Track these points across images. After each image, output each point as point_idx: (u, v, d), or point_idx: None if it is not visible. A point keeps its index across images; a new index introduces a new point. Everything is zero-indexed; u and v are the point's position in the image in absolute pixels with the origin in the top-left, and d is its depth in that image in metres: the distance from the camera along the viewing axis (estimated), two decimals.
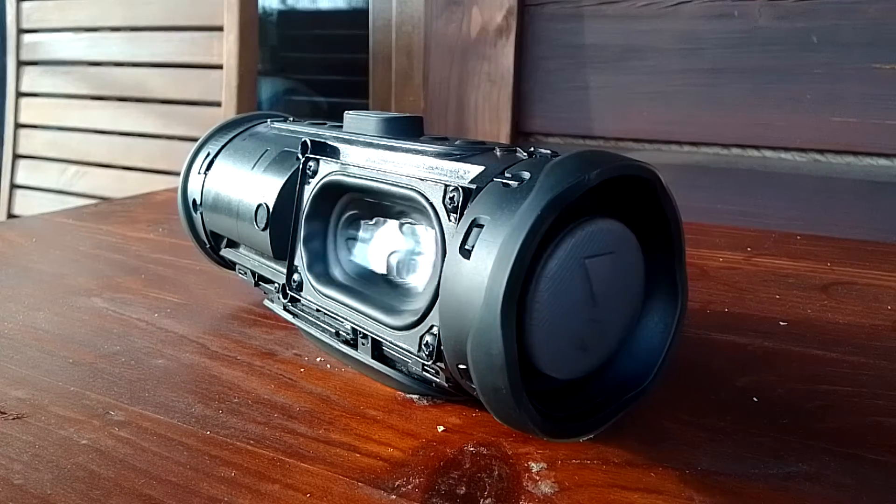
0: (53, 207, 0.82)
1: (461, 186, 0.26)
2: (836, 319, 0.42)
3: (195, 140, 0.42)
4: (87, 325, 0.39)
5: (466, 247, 0.23)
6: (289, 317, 0.35)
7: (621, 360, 0.28)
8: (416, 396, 0.31)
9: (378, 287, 0.31)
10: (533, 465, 0.26)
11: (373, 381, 0.32)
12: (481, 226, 0.23)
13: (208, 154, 0.40)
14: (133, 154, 1.15)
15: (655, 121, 0.83)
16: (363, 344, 0.31)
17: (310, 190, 0.33)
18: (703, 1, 0.78)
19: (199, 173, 0.40)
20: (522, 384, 0.23)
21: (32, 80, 1.26)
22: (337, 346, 0.32)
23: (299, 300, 0.34)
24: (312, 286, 0.32)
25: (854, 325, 0.41)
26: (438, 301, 0.25)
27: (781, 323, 0.41)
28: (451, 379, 0.27)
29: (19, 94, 1.27)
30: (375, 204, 0.31)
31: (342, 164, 0.32)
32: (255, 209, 0.35)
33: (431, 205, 0.27)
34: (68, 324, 0.39)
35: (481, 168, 0.26)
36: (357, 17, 1.22)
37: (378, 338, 0.29)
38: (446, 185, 0.26)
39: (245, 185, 0.36)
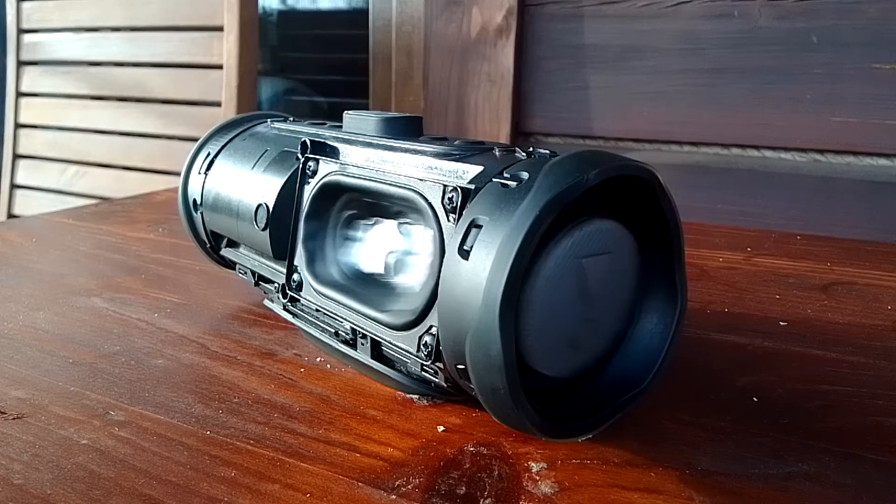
0: (53, 207, 0.82)
1: (460, 187, 0.26)
2: (836, 319, 0.42)
3: (195, 140, 0.42)
4: (87, 325, 0.39)
5: (465, 247, 0.23)
6: (288, 317, 0.35)
7: (620, 360, 0.28)
8: (416, 396, 0.31)
9: (377, 287, 0.31)
10: (533, 465, 0.26)
11: (373, 381, 0.32)
12: (480, 226, 0.23)
13: (208, 154, 0.40)
14: (133, 154, 1.15)
15: (655, 121, 0.83)
16: (362, 344, 0.31)
17: (309, 190, 0.33)
18: (703, 1, 0.78)
19: (199, 173, 0.40)
20: (521, 384, 0.23)
21: (32, 80, 1.26)
22: (336, 346, 0.32)
23: (299, 300, 0.34)
24: (312, 286, 0.32)
25: (854, 325, 0.41)
26: (437, 301, 0.25)
27: (781, 323, 0.41)
28: (450, 379, 0.27)
29: (19, 94, 1.27)
30: (375, 204, 0.31)
31: (342, 164, 0.32)
32: (255, 209, 0.35)
33: (430, 205, 0.27)
34: (68, 324, 0.39)
35: (480, 168, 0.26)
36: (357, 17, 1.22)
37: (377, 338, 0.29)
38: (445, 186, 0.26)
39: (245, 184, 0.36)
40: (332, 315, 0.32)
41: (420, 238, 0.30)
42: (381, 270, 0.32)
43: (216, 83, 1.03)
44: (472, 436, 0.28)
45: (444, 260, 0.24)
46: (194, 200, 0.40)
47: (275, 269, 0.36)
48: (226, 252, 0.41)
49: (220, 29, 1.02)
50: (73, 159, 1.21)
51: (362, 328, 0.30)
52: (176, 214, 0.43)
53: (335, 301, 0.31)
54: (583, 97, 0.86)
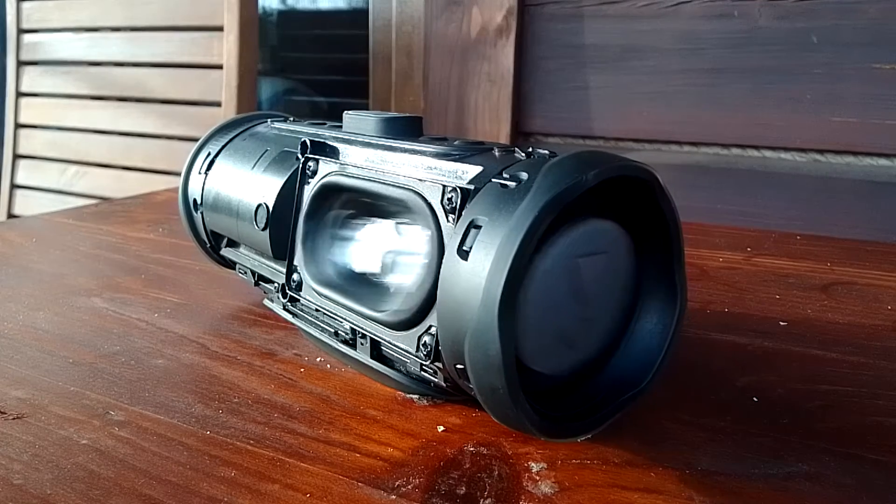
0: (53, 207, 0.82)
1: (459, 187, 0.26)
2: (836, 319, 0.42)
3: (195, 140, 0.42)
4: (87, 325, 0.39)
5: (464, 248, 0.23)
6: (288, 316, 0.35)
7: (620, 360, 0.28)
8: (416, 396, 0.31)
9: (377, 287, 0.31)
10: (533, 465, 0.26)
11: (373, 381, 0.33)
12: (479, 227, 0.23)
13: (209, 154, 0.40)
14: (133, 154, 1.15)
15: (655, 121, 0.83)
16: (362, 344, 0.31)
17: (309, 190, 0.33)
18: (703, 1, 0.78)
19: (199, 173, 0.40)
20: (519, 384, 0.23)
21: (32, 80, 1.26)
22: (336, 346, 0.32)
23: (298, 300, 0.34)
24: (311, 286, 0.32)
25: (854, 325, 0.41)
26: (436, 301, 0.25)
27: (781, 323, 0.41)
28: (450, 379, 0.27)
29: (19, 94, 1.27)
30: (374, 204, 0.31)
31: (342, 164, 0.32)
32: (254, 209, 0.35)
33: (430, 205, 0.27)
34: (68, 324, 0.39)
35: (479, 168, 0.26)
36: (357, 17, 1.22)
37: (377, 338, 0.29)
38: (444, 186, 0.26)
39: (245, 184, 0.36)
40: (331, 315, 0.32)
41: (419, 238, 0.30)
42: (380, 270, 0.32)
43: (216, 83, 1.03)
44: (472, 436, 0.28)
45: (444, 260, 0.24)
46: (194, 200, 0.40)
47: (275, 268, 0.36)
48: (226, 252, 0.41)
49: (220, 29, 1.02)
50: (73, 159, 1.21)
51: (362, 328, 0.30)
52: (176, 214, 0.43)
53: (335, 301, 0.31)
54: (583, 97, 0.86)
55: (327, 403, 0.31)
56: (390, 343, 0.29)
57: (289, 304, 0.35)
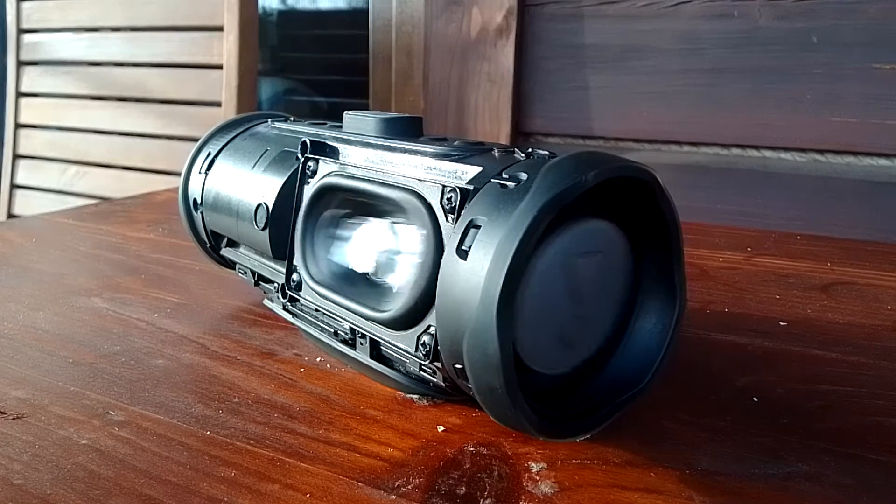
0: (53, 207, 0.82)
1: (459, 187, 0.26)
2: (836, 319, 0.42)
3: (195, 140, 0.42)
4: (87, 325, 0.39)
5: (463, 247, 0.23)
6: (288, 316, 0.36)
7: (619, 360, 0.28)
8: (416, 396, 0.31)
9: (376, 287, 0.31)
10: (533, 465, 0.26)
11: (372, 381, 0.33)
12: (478, 227, 0.23)
13: (209, 154, 0.40)
14: (133, 154, 1.15)
15: (655, 121, 0.83)
16: (361, 344, 0.31)
17: (309, 190, 0.33)
18: (703, 1, 0.78)
19: (199, 173, 0.40)
20: (518, 384, 0.23)
21: (32, 80, 1.26)
22: (336, 346, 0.32)
23: (298, 300, 0.34)
24: (311, 286, 0.32)
25: (854, 325, 0.41)
26: (435, 301, 0.25)
27: (781, 323, 0.41)
28: (449, 378, 0.27)
29: (19, 94, 1.27)
30: (374, 204, 0.31)
31: (341, 164, 0.32)
32: (254, 209, 0.35)
33: (429, 205, 0.27)
34: (68, 324, 0.39)
35: (479, 169, 0.26)
36: (357, 17, 1.22)
37: (376, 337, 0.29)
38: (444, 186, 0.26)
39: (245, 184, 0.36)
40: (331, 315, 0.32)
41: (418, 238, 0.30)
42: (379, 270, 0.32)
43: (216, 83, 1.03)
44: (472, 436, 0.28)
45: (443, 260, 0.24)
46: (195, 200, 0.41)
47: (274, 268, 0.36)
48: (226, 252, 0.41)
49: (220, 29, 1.02)
50: (73, 159, 1.21)
51: (361, 328, 0.30)
52: (176, 214, 0.43)
53: (334, 301, 0.31)
54: (583, 97, 0.86)
55: (327, 403, 0.31)
56: (389, 343, 0.29)
57: (288, 304, 0.35)
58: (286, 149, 0.36)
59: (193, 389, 0.32)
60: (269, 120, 0.41)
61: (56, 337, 0.37)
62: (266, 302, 0.38)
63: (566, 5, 0.86)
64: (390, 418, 0.29)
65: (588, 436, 0.27)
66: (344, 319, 0.31)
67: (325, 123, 0.38)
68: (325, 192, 0.32)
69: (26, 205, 1.26)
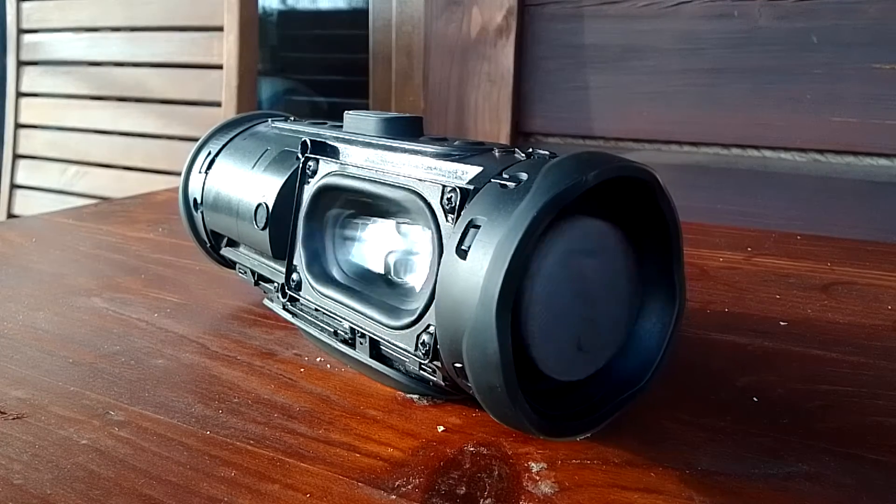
0: (53, 207, 0.82)
1: (459, 187, 0.26)
2: (836, 319, 0.42)
3: (195, 140, 0.42)
4: (87, 325, 0.39)
5: (463, 247, 0.23)
6: (288, 316, 0.35)
7: (619, 359, 0.28)
8: (416, 396, 0.31)
9: (376, 287, 0.31)
10: (533, 465, 0.26)
11: (372, 380, 0.33)
12: (478, 226, 0.23)
13: (209, 153, 0.40)
14: (133, 154, 1.15)
15: (655, 121, 0.83)
16: (361, 343, 0.31)
17: (309, 189, 0.33)
18: (703, 1, 0.78)
19: (199, 172, 0.40)
20: (518, 383, 0.23)
21: (32, 80, 1.26)
22: (336, 346, 0.32)
23: (298, 299, 0.34)
24: (311, 286, 0.32)
25: (854, 325, 0.41)
26: (435, 300, 0.25)
27: (781, 323, 0.41)
28: (448, 378, 0.27)
29: (19, 94, 1.27)
30: (374, 204, 0.31)
31: (342, 163, 0.32)
32: (254, 208, 0.35)
33: (429, 205, 0.27)
34: (68, 324, 0.39)
35: (479, 169, 0.26)
36: (357, 17, 1.22)
37: (376, 337, 0.29)
38: (444, 186, 0.26)
39: (245, 184, 0.36)
40: (331, 314, 0.32)
41: (418, 238, 0.30)
42: (379, 270, 0.32)
43: (216, 83, 1.03)
44: (472, 436, 0.28)
45: (442, 260, 0.24)
46: (195, 200, 0.41)
47: (274, 268, 0.36)
48: (226, 251, 0.41)
49: (220, 29, 1.02)
50: (73, 159, 1.21)
51: (361, 327, 0.30)
52: (176, 214, 0.43)
53: (334, 300, 0.31)
54: (583, 97, 0.86)
55: (327, 403, 0.31)
56: (389, 342, 0.29)
57: (288, 303, 0.35)
58: (286, 148, 0.36)
59: (193, 389, 0.32)
60: (270, 120, 0.41)
61: (56, 337, 0.37)
62: (266, 302, 0.38)
63: (566, 5, 0.86)
64: (390, 418, 0.29)
65: (588, 435, 0.27)
66: (344, 319, 0.31)
67: (326, 123, 0.38)
68: (325, 192, 0.32)
69: (26, 205, 1.26)
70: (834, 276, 0.50)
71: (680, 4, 0.79)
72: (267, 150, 0.37)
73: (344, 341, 0.32)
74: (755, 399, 0.31)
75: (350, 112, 0.34)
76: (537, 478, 0.25)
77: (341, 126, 0.35)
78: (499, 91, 0.90)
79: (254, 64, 1.04)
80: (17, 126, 1.27)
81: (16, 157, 1.28)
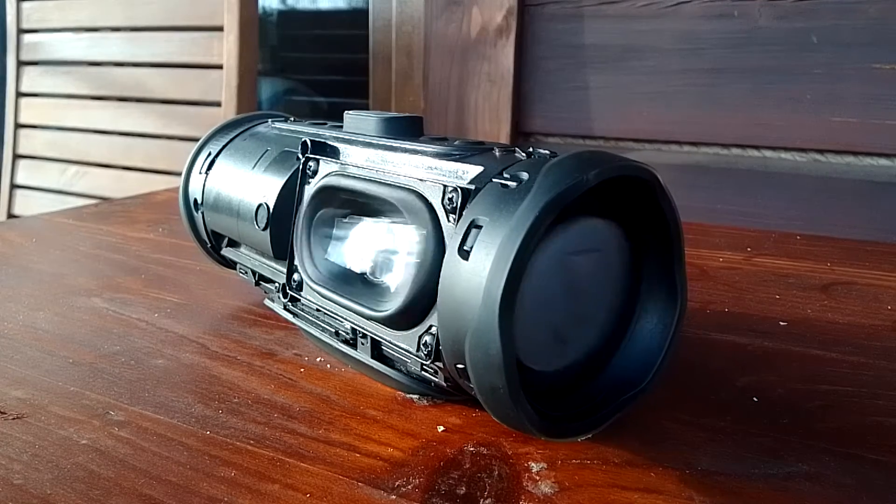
0: (53, 207, 0.82)
1: (460, 187, 0.26)
2: (836, 319, 0.42)
3: (195, 140, 0.42)
4: (87, 325, 0.39)
5: (465, 247, 0.23)
6: (289, 316, 0.35)
7: (620, 360, 0.28)
8: (416, 396, 0.31)
9: (377, 287, 0.31)
10: (533, 465, 0.26)
11: (373, 381, 0.33)
12: (480, 227, 0.23)
13: (209, 154, 0.40)
14: (133, 154, 1.15)
15: (655, 121, 0.83)
16: (363, 344, 0.31)
17: (310, 190, 0.33)
18: (703, 1, 0.78)
19: (200, 173, 0.40)
20: (520, 383, 0.23)
21: (32, 80, 1.26)
22: (337, 346, 0.32)
23: (299, 300, 0.34)
24: (312, 286, 0.32)
25: (854, 325, 0.41)
26: (437, 301, 0.25)
27: (781, 323, 0.41)
28: (450, 378, 0.27)
29: (19, 94, 1.27)
30: (375, 204, 0.31)
31: (342, 164, 0.32)
32: (255, 209, 0.35)
33: (430, 205, 0.27)
34: (68, 324, 0.39)
35: (480, 169, 0.26)
36: (357, 17, 1.22)
37: (377, 337, 0.29)
38: (445, 186, 0.26)
39: (246, 184, 0.36)
40: (332, 315, 0.32)
41: (420, 238, 0.30)
42: (380, 270, 0.32)
43: (216, 83, 1.03)
44: (472, 436, 0.28)
45: (444, 260, 0.24)
46: (195, 200, 0.41)
47: (275, 268, 0.36)
48: (226, 252, 0.41)
49: (220, 29, 1.02)
50: (73, 159, 1.21)
51: (362, 328, 0.30)
52: (176, 214, 0.43)
53: (335, 301, 0.31)
54: (583, 97, 0.86)
55: (327, 403, 0.31)
56: (391, 343, 0.29)
57: (289, 303, 0.35)
58: (287, 149, 0.36)
59: (193, 389, 0.32)
60: (270, 120, 0.41)
61: (56, 337, 0.37)
62: (267, 302, 0.38)
63: (566, 5, 0.86)
64: (390, 418, 0.29)
65: (589, 435, 0.27)
66: (345, 319, 0.31)
67: (326, 123, 0.38)
68: (325, 192, 0.32)
69: (26, 205, 1.26)
70: (834, 276, 0.50)
71: (680, 4, 0.79)
72: (267, 150, 0.37)
73: (345, 341, 0.32)
74: (755, 399, 0.31)
75: (350, 112, 0.34)
76: (537, 478, 0.25)
77: (341, 126, 0.35)
78: (499, 91, 0.90)
79: (254, 64, 1.04)
80: (17, 126, 1.27)
81: (16, 157, 1.28)
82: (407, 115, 0.33)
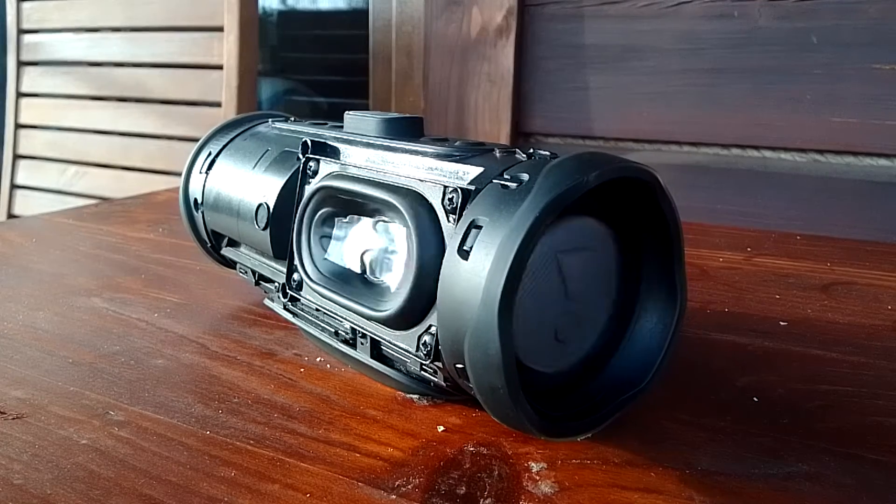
0: (53, 207, 0.82)
1: (460, 188, 0.26)
2: (836, 319, 0.42)
3: (195, 140, 0.42)
4: (87, 325, 0.39)
5: (465, 248, 0.24)
6: (289, 316, 0.36)
7: (620, 360, 0.28)
8: (416, 396, 0.31)
9: (377, 287, 0.31)
10: (533, 465, 0.26)
11: (373, 381, 0.33)
12: (480, 227, 0.23)
13: (210, 153, 0.40)
14: (133, 154, 1.15)
15: (655, 121, 0.83)
16: (362, 343, 0.31)
17: (310, 190, 0.33)
18: (704, 1, 0.78)
19: (200, 173, 0.40)
20: (519, 383, 0.23)
21: (32, 80, 1.26)
22: (336, 346, 0.32)
23: (299, 299, 0.34)
24: (312, 285, 0.32)
25: (854, 325, 0.41)
26: (437, 301, 0.25)
27: (781, 323, 0.41)
28: (450, 378, 0.27)
29: (19, 95, 1.27)
30: (375, 204, 0.31)
31: (342, 164, 0.32)
32: (255, 209, 0.35)
33: (430, 206, 0.27)
34: (68, 324, 0.39)
35: (480, 169, 0.26)
36: (357, 17, 1.22)
37: (377, 337, 0.29)
38: (445, 187, 0.26)
39: (246, 184, 0.36)
40: (332, 314, 0.32)
41: (419, 238, 0.30)
42: (380, 270, 0.32)
43: (216, 83, 1.03)
44: (472, 436, 0.28)
45: (444, 260, 0.24)
46: (195, 200, 0.41)
47: (275, 268, 0.36)
48: (226, 251, 0.41)
49: (220, 29, 1.02)
50: (72, 159, 1.21)
51: (362, 328, 0.30)
52: (176, 214, 0.43)
53: (335, 301, 0.31)
54: (583, 97, 0.86)
55: (327, 403, 0.31)
56: (390, 343, 0.29)
57: (289, 303, 0.35)
58: (287, 149, 0.36)
59: (193, 389, 0.32)
60: (270, 120, 0.41)
61: (56, 337, 0.37)
62: (266, 302, 0.38)
63: (566, 5, 0.86)
64: (390, 418, 0.29)
65: (589, 435, 0.27)
66: (345, 319, 0.31)
67: (326, 123, 0.38)
68: (325, 192, 0.32)
69: (26, 205, 1.26)
70: (834, 276, 0.50)
71: (680, 4, 0.79)
72: (267, 150, 0.37)
73: (345, 341, 0.32)
74: (755, 399, 0.31)
75: (350, 112, 0.34)
76: (537, 478, 0.25)
77: (341, 126, 0.35)
78: (499, 91, 0.90)
79: (254, 64, 1.04)
80: (17, 126, 1.27)
81: (16, 157, 1.28)
82: (407, 115, 0.33)
